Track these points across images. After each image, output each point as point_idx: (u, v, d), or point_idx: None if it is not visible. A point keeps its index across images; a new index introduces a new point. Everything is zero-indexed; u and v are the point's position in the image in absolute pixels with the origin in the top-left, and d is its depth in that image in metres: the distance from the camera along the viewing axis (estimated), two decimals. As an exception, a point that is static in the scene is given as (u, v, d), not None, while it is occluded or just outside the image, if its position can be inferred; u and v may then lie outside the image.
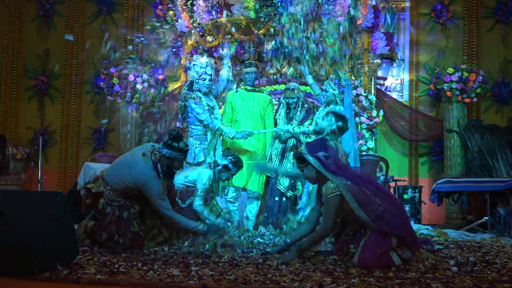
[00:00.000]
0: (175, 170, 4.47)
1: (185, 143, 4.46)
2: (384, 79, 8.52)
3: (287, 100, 6.03)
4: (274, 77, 7.14)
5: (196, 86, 5.63)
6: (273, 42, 6.83)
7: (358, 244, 3.75)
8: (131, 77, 7.67)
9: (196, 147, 5.62)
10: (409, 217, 3.99)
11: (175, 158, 4.36)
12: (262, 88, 6.60)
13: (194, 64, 5.67)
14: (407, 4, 8.75)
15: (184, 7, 7.15)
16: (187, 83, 5.79)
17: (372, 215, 3.67)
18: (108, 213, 4.30)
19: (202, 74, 5.59)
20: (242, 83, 6.28)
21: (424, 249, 4.03)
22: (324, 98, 5.85)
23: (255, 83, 6.25)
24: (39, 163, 7.84)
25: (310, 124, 5.83)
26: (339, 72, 6.35)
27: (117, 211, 4.30)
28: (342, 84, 6.05)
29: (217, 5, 6.86)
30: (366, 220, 3.68)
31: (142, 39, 8.52)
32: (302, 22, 6.69)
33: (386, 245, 3.62)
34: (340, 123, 4.95)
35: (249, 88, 6.14)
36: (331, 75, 6.34)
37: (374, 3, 7.41)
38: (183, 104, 5.67)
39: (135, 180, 4.26)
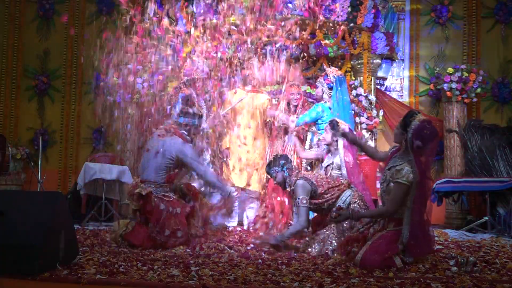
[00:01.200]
0: (192, 137, 4.79)
1: (197, 108, 4.70)
2: (384, 79, 8.51)
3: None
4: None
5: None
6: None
7: (361, 244, 3.75)
8: (131, 77, 7.66)
9: None
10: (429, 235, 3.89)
11: (192, 124, 4.73)
12: (262, 88, 6.65)
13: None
14: (407, 4, 8.75)
15: (184, 7, 7.14)
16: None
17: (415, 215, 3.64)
18: (162, 209, 4.36)
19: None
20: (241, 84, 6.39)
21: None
22: (315, 94, 5.96)
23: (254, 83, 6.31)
24: (39, 163, 7.84)
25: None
26: (326, 69, 6.39)
27: (171, 208, 4.38)
28: (330, 79, 6.07)
29: (217, 5, 6.86)
30: (405, 220, 3.64)
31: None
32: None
33: (392, 250, 3.61)
34: (282, 162, 4.96)
35: (248, 88, 6.19)
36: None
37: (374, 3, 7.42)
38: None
39: (172, 155, 4.53)
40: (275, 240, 4.47)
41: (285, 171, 4.69)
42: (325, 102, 5.90)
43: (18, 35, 9.28)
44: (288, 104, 6.26)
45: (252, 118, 6.23)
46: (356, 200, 4.53)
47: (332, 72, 6.23)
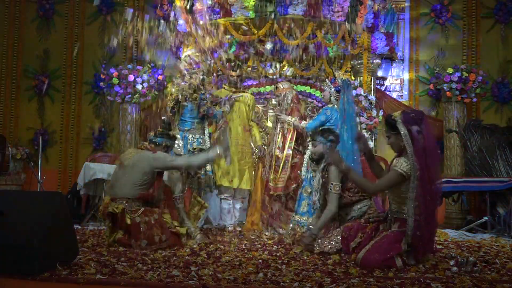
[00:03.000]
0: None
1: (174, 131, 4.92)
2: (384, 79, 8.51)
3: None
4: (274, 77, 7.17)
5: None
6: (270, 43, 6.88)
7: (365, 241, 3.75)
8: (131, 77, 7.67)
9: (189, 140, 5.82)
10: (434, 236, 3.88)
11: (169, 145, 4.85)
12: (261, 87, 6.84)
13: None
14: (407, 4, 8.75)
15: (184, 7, 7.15)
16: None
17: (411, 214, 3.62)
18: (139, 222, 4.37)
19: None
20: (226, 84, 6.58)
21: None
22: (322, 98, 5.99)
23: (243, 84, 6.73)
24: (39, 163, 7.84)
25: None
26: (334, 73, 6.45)
27: (146, 218, 4.39)
28: (337, 82, 6.10)
29: (217, 5, 6.87)
30: (407, 215, 3.62)
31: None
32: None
33: (395, 250, 3.61)
34: (331, 138, 4.91)
35: (233, 89, 6.47)
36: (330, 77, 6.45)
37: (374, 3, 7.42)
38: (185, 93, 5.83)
39: (148, 166, 4.55)
40: (310, 237, 4.29)
41: (328, 146, 4.58)
42: (333, 105, 5.91)
43: (18, 35, 9.28)
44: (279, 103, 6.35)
45: (241, 117, 6.41)
46: (371, 213, 4.44)
47: (340, 75, 6.30)
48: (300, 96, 6.73)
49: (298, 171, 5.98)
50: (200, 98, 5.77)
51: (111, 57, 8.85)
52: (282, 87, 6.31)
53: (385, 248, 3.61)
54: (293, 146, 6.09)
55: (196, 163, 4.89)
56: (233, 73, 6.60)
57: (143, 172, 4.55)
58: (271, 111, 6.98)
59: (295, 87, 6.80)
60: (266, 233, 5.74)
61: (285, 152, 6.07)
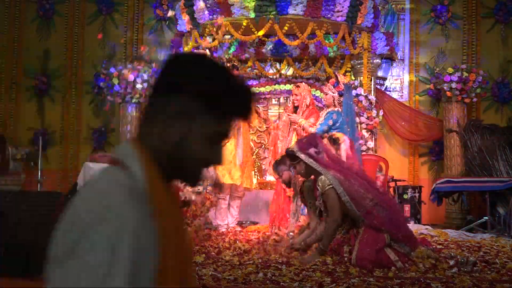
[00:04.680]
0: None
1: None
2: (384, 79, 8.51)
3: None
4: (274, 77, 7.17)
5: None
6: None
7: (352, 244, 3.77)
8: (131, 77, 7.66)
9: None
10: (402, 213, 4.06)
11: None
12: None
13: None
14: (407, 4, 8.74)
15: (184, 7, 7.15)
16: None
17: (362, 210, 3.73)
18: None
19: None
20: None
21: (424, 247, 4.03)
22: (324, 100, 5.99)
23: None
24: (39, 163, 7.83)
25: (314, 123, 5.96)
26: (337, 76, 6.46)
27: None
28: (341, 87, 6.15)
29: (217, 5, 6.86)
30: (357, 214, 3.73)
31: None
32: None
33: (381, 241, 3.65)
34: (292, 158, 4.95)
35: None
36: (331, 79, 6.45)
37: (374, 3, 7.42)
38: None
39: None
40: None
41: (292, 171, 4.64)
42: (337, 109, 5.94)
43: (18, 35, 9.27)
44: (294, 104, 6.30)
45: None
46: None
47: (342, 78, 6.34)
48: None
49: None
50: None
51: (111, 57, 8.83)
52: (303, 88, 6.24)
53: (371, 242, 3.66)
54: None
55: None
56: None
57: None
58: (281, 111, 6.90)
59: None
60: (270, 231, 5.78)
61: None
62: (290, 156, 4.13)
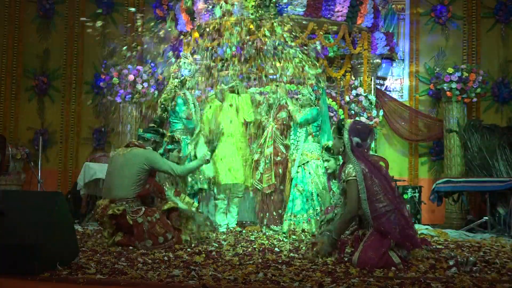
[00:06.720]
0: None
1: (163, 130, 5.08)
2: (384, 79, 8.51)
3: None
4: (274, 77, 7.17)
5: (189, 84, 5.94)
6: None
7: (355, 245, 3.76)
8: (131, 77, 7.67)
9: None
10: (412, 222, 4.00)
11: (158, 141, 4.87)
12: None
13: (184, 63, 5.87)
14: (407, 4, 8.75)
15: (184, 7, 7.15)
16: (178, 79, 5.93)
17: (373, 212, 3.70)
18: (141, 222, 4.36)
19: (194, 72, 5.92)
20: (220, 83, 6.66)
21: (423, 248, 4.03)
22: (300, 101, 6.07)
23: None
24: (39, 163, 7.83)
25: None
26: (316, 81, 6.56)
27: (149, 217, 4.39)
28: (319, 91, 6.30)
29: (217, 5, 6.86)
30: (366, 215, 3.71)
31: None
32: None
33: (386, 245, 3.64)
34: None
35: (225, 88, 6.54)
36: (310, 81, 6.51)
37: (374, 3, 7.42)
38: (169, 98, 5.84)
39: (141, 165, 4.51)
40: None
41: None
42: (317, 107, 6.02)
43: (18, 35, 9.28)
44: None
45: (238, 113, 6.44)
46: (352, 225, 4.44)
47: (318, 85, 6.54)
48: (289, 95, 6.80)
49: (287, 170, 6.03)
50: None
51: (111, 57, 8.83)
52: (282, 88, 6.33)
53: (376, 246, 3.63)
54: (272, 144, 6.10)
55: (187, 170, 4.97)
56: (224, 73, 6.68)
57: (137, 168, 4.51)
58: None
59: (288, 86, 6.91)
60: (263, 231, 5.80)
61: (267, 150, 6.11)
62: (338, 128, 4.04)
